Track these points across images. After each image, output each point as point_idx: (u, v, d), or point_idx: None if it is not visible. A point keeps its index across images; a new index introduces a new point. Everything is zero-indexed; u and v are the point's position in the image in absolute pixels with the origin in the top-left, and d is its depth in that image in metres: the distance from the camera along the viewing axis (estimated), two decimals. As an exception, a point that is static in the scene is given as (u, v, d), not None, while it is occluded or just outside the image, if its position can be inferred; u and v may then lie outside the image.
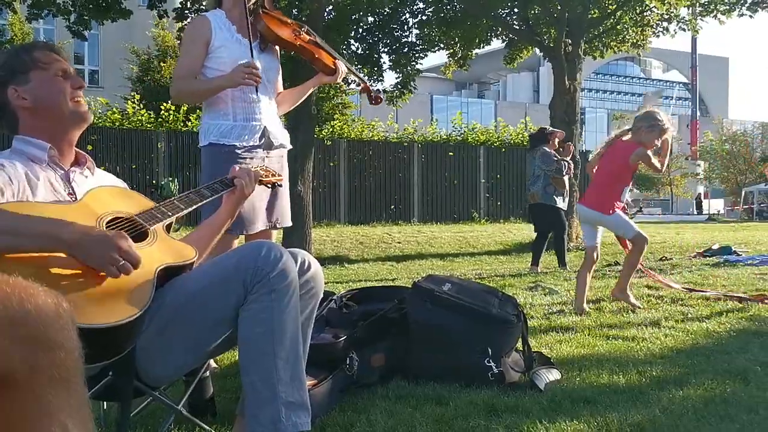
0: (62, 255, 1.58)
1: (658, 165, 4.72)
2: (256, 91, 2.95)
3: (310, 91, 3.42)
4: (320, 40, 3.22)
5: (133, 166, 14.94)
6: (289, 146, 3.26)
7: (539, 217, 7.82)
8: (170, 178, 14.74)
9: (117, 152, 14.91)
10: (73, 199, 1.87)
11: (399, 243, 11.76)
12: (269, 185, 2.44)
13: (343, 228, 15.18)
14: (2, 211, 1.58)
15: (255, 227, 3.03)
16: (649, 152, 4.66)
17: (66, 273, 1.55)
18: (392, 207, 17.47)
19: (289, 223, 3.27)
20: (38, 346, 1.01)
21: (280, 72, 3.25)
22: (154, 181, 14.85)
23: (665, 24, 12.25)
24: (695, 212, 32.75)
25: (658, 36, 12.55)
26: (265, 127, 3.07)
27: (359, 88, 3.45)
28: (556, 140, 7.77)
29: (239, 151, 2.99)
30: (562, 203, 7.66)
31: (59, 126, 1.89)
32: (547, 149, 7.62)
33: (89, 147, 13.74)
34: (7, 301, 0.99)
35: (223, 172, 2.90)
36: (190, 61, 3.00)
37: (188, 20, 10.38)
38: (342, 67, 3.20)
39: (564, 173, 7.58)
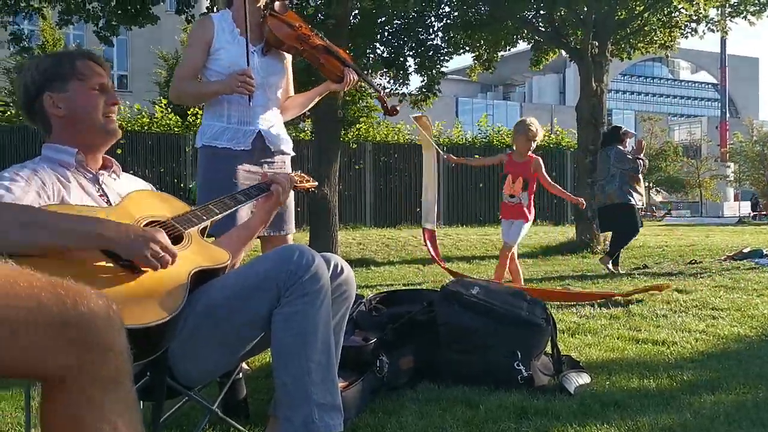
0: (99, 257, 1.62)
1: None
2: (249, 100, 2.93)
3: (317, 99, 3.33)
4: (332, 47, 3.15)
5: (162, 170, 15.12)
6: (291, 153, 3.19)
7: (617, 216, 7.59)
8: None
9: (145, 156, 15.11)
10: (105, 200, 1.92)
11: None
12: (303, 191, 2.46)
13: (369, 231, 15.21)
14: (47, 211, 1.63)
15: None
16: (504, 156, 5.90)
17: (101, 275, 1.59)
18: (418, 209, 17.43)
19: (293, 230, 3.22)
20: (90, 347, 1.05)
21: (288, 76, 3.19)
22: (182, 185, 15.01)
23: (694, 25, 12.08)
24: (750, 214, 31.90)
25: (686, 37, 12.39)
26: (259, 131, 3.02)
27: (380, 95, 3.33)
28: (628, 140, 7.74)
29: (234, 154, 2.96)
30: (637, 202, 7.59)
31: (88, 138, 1.93)
32: (621, 148, 7.56)
33: (118, 151, 13.93)
34: (61, 304, 1.03)
35: (216, 172, 2.91)
36: (191, 62, 2.99)
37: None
38: (351, 75, 3.10)
39: (640, 171, 7.51)
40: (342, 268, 2.00)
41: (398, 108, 3.27)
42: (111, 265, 1.62)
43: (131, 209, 1.85)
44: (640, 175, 7.59)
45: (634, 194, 7.46)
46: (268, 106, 3.07)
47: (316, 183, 2.57)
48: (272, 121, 3.09)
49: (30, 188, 1.72)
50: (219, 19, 3.02)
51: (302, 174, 2.47)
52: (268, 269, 1.82)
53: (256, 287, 1.81)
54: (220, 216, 2.05)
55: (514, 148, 5.81)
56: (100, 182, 1.96)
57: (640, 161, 7.46)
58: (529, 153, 5.66)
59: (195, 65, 2.99)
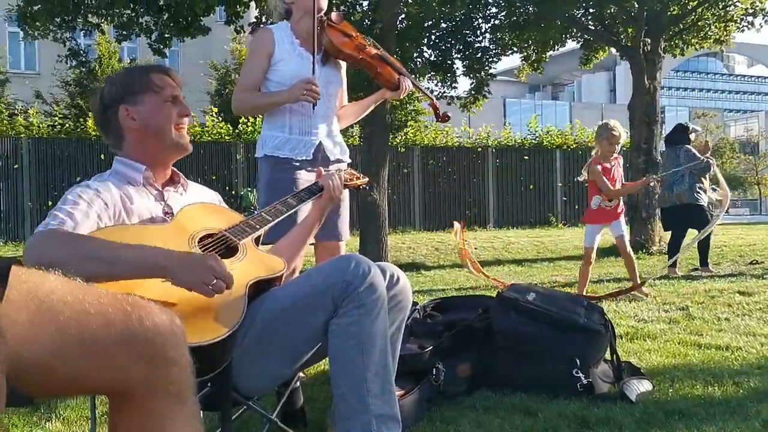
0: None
1: (607, 187, 5.44)
2: (313, 108, 2.97)
3: (372, 107, 3.38)
4: (387, 55, 3.19)
5: (213, 178, 15.37)
6: (348, 160, 3.23)
7: (683, 216, 7.47)
8: (249, 189, 15.08)
9: (198, 164, 15.37)
10: (170, 218, 1.94)
11: (475, 249, 11.67)
12: (355, 188, 2.46)
13: (418, 234, 15.19)
14: (101, 240, 1.62)
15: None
16: (599, 168, 5.45)
17: (159, 292, 1.59)
18: (467, 212, 17.36)
19: (348, 237, 3.24)
20: (155, 362, 1.06)
21: (344, 85, 3.24)
22: (233, 192, 15.24)
23: (750, 18, 11.74)
24: None
25: (742, 31, 12.04)
26: (320, 142, 3.07)
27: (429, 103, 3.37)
28: (692, 136, 7.62)
29: (295, 164, 3.01)
30: (705, 202, 7.45)
31: (160, 151, 1.97)
32: (690, 147, 7.43)
33: (172, 160, 14.18)
34: (127, 320, 1.05)
35: (278, 182, 2.96)
36: (252, 73, 3.04)
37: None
38: (406, 83, 3.14)
39: (710, 171, 7.38)
40: (398, 278, 1.99)
41: (450, 115, 3.29)
42: (169, 282, 1.64)
43: (186, 224, 1.87)
44: (708, 175, 7.45)
45: (703, 194, 7.32)
46: (328, 115, 3.12)
47: (367, 179, 2.57)
48: (331, 130, 3.15)
49: (91, 211, 1.75)
50: (278, 30, 3.07)
51: (352, 171, 2.48)
52: (324, 280, 1.82)
53: (312, 299, 1.81)
54: (273, 223, 2.06)
55: (597, 152, 5.64)
56: (165, 199, 1.99)
57: (711, 160, 7.29)
58: (615, 155, 5.57)
59: (256, 77, 3.04)
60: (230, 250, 1.88)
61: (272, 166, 3.04)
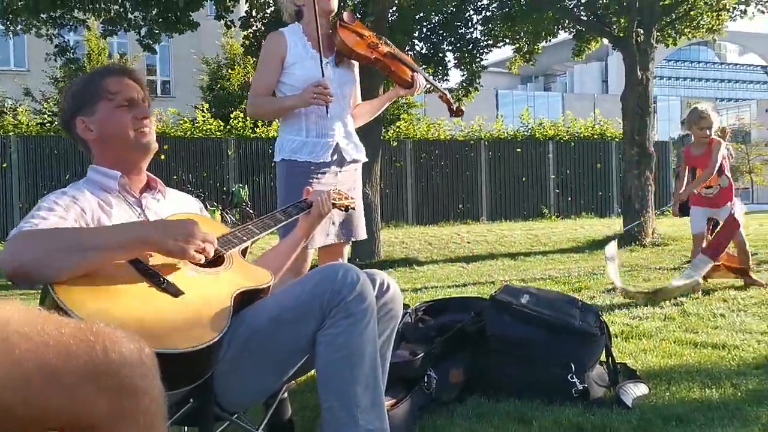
0: (141, 282, 1.58)
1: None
2: (327, 111, 2.94)
3: (386, 105, 3.40)
4: (399, 53, 3.18)
5: (204, 174, 15.27)
6: (364, 159, 3.22)
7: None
8: (240, 185, 14.99)
9: (188, 160, 15.27)
10: None
11: (468, 243, 11.63)
12: (342, 209, 2.42)
13: (411, 229, 15.14)
14: (75, 229, 1.63)
15: (315, 242, 3.00)
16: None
17: (144, 300, 1.56)
18: (460, 206, 17.32)
19: (364, 236, 3.24)
20: (123, 394, 1.00)
21: (358, 85, 3.22)
22: (225, 188, 15.14)
23: (743, 7, 11.69)
24: None
25: (735, 20, 12.01)
26: (337, 143, 3.05)
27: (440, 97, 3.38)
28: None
29: (313, 168, 2.99)
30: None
31: (126, 156, 1.91)
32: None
33: (162, 157, 14.09)
34: (91, 351, 0.98)
35: (297, 186, 2.92)
36: (265, 78, 3.03)
37: (253, 29, 10.55)
38: (420, 80, 3.14)
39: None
40: (388, 286, 1.93)
41: (463, 109, 3.30)
42: (153, 289, 1.59)
43: None
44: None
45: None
46: (343, 116, 3.11)
47: (354, 202, 2.58)
48: (348, 131, 3.13)
49: (68, 216, 1.69)
50: (290, 33, 3.04)
51: (341, 192, 2.45)
52: (312, 289, 1.76)
53: (299, 309, 1.75)
54: (261, 236, 2.02)
55: (692, 139, 5.66)
56: (143, 206, 1.92)
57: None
58: (710, 137, 5.48)
59: (269, 81, 3.03)
60: (217, 261, 1.82)
61: (290, 170, 3.03)
